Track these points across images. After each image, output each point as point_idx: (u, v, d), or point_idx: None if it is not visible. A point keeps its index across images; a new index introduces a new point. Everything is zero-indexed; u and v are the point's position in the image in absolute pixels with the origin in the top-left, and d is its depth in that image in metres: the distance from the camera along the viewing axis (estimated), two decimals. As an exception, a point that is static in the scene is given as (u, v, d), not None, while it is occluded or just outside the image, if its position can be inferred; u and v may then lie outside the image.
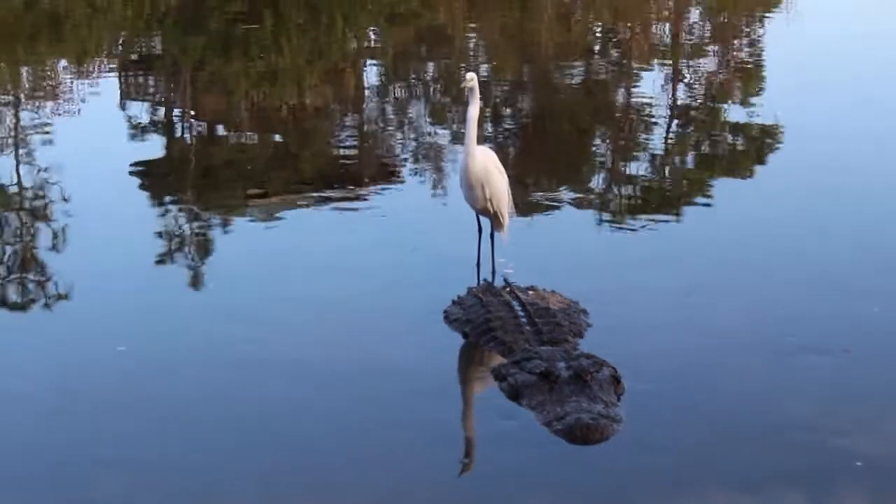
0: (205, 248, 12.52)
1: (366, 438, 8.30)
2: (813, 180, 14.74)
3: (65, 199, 13.90)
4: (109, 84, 21.14)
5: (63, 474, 7.85)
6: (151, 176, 15.40)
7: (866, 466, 7.90)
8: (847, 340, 9.81)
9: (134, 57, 24.19)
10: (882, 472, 7.86)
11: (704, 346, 9.86)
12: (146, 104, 19.82)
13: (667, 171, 15.90)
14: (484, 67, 22.38)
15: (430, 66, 23.87)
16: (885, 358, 9.60)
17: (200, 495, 7.60)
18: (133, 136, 17.48)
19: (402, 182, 15.10)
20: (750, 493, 7.56)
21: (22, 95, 20.03)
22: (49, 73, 22.11)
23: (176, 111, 19.56)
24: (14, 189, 14.44)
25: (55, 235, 12.75)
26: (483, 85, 19.34)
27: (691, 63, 23.41)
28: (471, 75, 11.06)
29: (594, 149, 17.39)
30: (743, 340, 9.91)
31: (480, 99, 11.09)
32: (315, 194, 14.35)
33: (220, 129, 18.41)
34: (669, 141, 17.25)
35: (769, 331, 10.10)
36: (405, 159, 16.49)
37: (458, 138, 15.68)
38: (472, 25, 26.56)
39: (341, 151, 17.16)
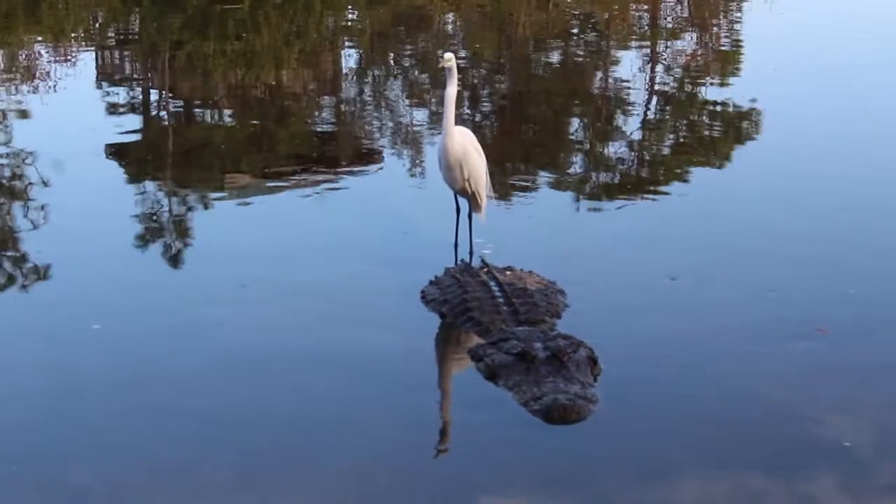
0: (181, 229, 12.48)
1: (342, 420, 8.27)
2: (792, 162, 14.76)
3: (41, 179, 13.85)
4: (86, 64, 21.05)
5: (36, 455, 7.80)
6: (128, 156, 15.35)
7: (854, 447, 7.91)
8: (825, 322, 9.82)
9: (111, 36, 24.11)
10: (871, 451, 7.86)
11: (682, 328, 9.84)
12: (123, 84, 19.75)
13: (645, 154, 15.90)
14: (462, 49, 22.35)
15: (409, 47, 23.84)
16: (863, 339, 9.61)
17: (177, 476, 7.56)
18: (110, 116, 17.39)
19: (380, 163, 15.07)
20: (729, 479, 7.52)
21: (-2, 75, 19.95)
22: (25, 52, 22.01)
23: (153, 91, 19.49)
24: (-10, 169, 14.40)
25: (32, 215, 12.69)
26: (461, 67, 19.29)
27: (669, 45, 23.41)
28: (448, 55, 11.02)
29: (572, 131, 17.38)
30: (721, 323, 9.89)
31: (459, 79, 11.07)
32: (292, 176, 14.32)
33: (198, 110, 18.36)
34: (648, 123, 17.26)
35: (748, 313, 10.09)
36: (383, 140, 16.46)
37: (436, 119, 15.67)
38: (451, 8, 26.52)
39: (319, 132, 17.13)
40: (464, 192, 11.21)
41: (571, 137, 16.86)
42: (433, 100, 17.89)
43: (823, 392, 8.67)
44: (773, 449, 7.89)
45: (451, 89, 10.88)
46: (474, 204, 11.31)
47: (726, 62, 21.61)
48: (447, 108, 10.89)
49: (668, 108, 18.48)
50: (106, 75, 20.48)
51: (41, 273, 11.06)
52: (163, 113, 18.26)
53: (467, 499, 7.30)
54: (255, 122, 17.46)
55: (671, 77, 20.61)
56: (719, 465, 7.67)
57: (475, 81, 19.70)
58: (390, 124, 17.44)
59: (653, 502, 7.28)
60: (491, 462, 7.73)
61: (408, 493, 7.39)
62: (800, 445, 7.95)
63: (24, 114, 17.07)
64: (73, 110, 17.90)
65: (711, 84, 19.64)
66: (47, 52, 21.86)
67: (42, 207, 12.86)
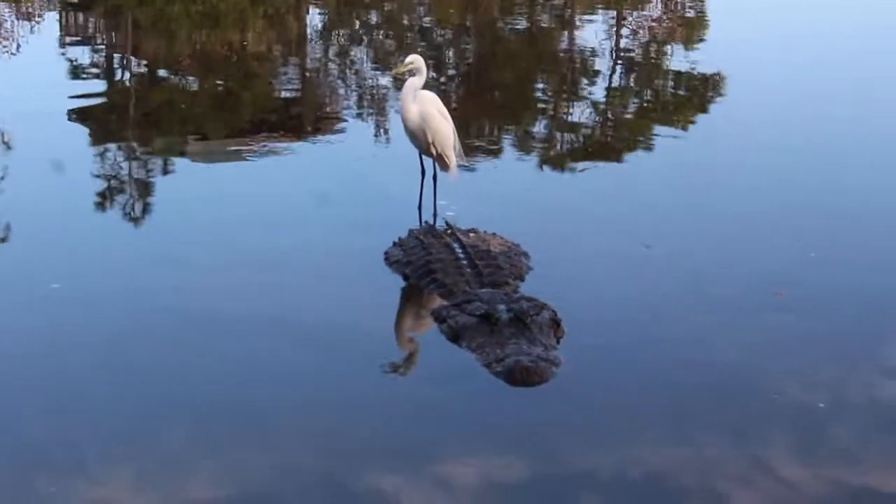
0: (144, 191, 12.42)
1: (301, 383, 8.20)
2: (756, 128, 14.79)
3: (2, 138, 13.76)
4: (49, 24, 20.91)
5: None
6: (91, 117, 15.27)
7: (813, 412, 7.92)
8: (784, 285, 9.86)
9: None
10: (830, 416, 7.85)
11: (644, 292, 9.81)
12: (87, 44, 19.62)
13: (611, 118, 15.90)
14: (428, 14, 22.29)
15: (374, 11, 23.76)
16: (821, 303, 9.64)
17: (129, 435, 7.50)
18: (73, 77, 17.30)
19: (344, 126, 15.02)
20: (688, 445, 7.48)
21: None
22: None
23: (116, 52, 19.38)
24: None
25: (-7, 174, 12.64)
26: (426, 30, 19.23)
27: (635, 11, 23.41)
28: (411, 58, 11.07)
29: (538, 94, 17.36)
30: (682, 289, 9.86)
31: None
32: (256, 138, 14.26)
33: (161, 71, 18.27)
34: (612, 88, 17.26)
35: (708, 279, 10.07)
36: (348, 104, 16.41)
37: (400, 85, 15.64)
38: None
39: (283, 95, 17.07)
40: (429, 153, 11.21)
41: (537, 101, 16.84)
42: (397, 63, 17.86)
43: (784, 357, 8.66)
44: (733, 415, 7.85)
45: (416, 80, 10.97)
46: (441, 164, 11.31)
47: (691, 29, 21.63)
48: (406, 90, 10.99)
49: (633, 73, 18.49)
50: (69, 35, 20.33)
51: (1, 233, 10.97)
52: (126, 74, 18.15)
53: (424, 461, 7.26)
54: (218, 84, 17.37)
55: (636, 43, 20.61)
56: (679, 431, 7.64)
57: (441, 46, 19.64)
58: (355, 88, 17.39)
59: (611, 467, 7.25)
60: (450, 425, 7.70)
61: (366, 454, 7.35)
62: (759, 411, 7.93)
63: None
64: (36, 71, 17.78)
65: (677, 51, 19.66)
66: (10, 12, 21.67)
67: (3, 167, 12.76)
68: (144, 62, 18.63)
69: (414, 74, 11.06)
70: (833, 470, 7.23)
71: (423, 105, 11.09)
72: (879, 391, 8.19)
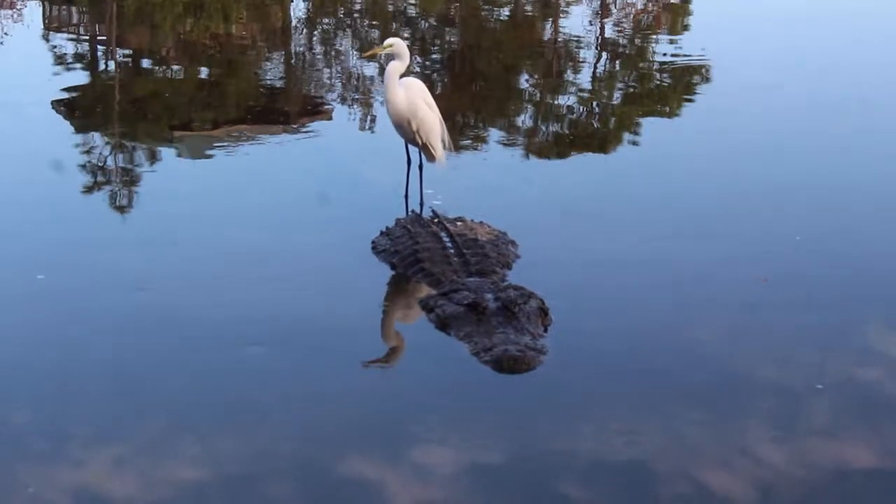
0: (128, 183, 12.37)
1: (284, 370, 8.19)
2: (741, 114, 14.81)
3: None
4: (33, 14, 20.85)
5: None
6: (76, 108, 15.23)
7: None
8: (769, 270, 9.88)
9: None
10: (806, 399, 7.88)
11: (632, 279, 9.80)
12: (70, 36, 19.56)
13: (596, 107, 15.90)
14: (412, 2, 22.28)
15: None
16: (806, 287, 9.66)
17: (109, 423, 7.49)
18: (57, 68, 17.25)
19: (329, 115, 15.01)
20: (666, 431, 7.50)
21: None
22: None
23: (101, 43, 19.32)
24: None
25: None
26: (411, 18, 19.19)
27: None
28: (390, 41, 11.01)
29: (523, 84, 17.36)
30: (669, 277, 9.87)
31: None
32: (240, 130, 14.23)
33: (146, 62, 18.23)
34: (598, 76, 17.25)
35: (695, 266, 10.09)
36: (333, 93, 16.39)
37: (381, 68, 15.64)
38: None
39: (268, 86, 17.03)
40: (415, 142, 11.18)
41: (523, 90, 16.83)
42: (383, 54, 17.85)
43: (772, 343, 8.68)
44: (719, 401, 7.86)
45: (396, 64, 10.90)
46: (428, 154, 11.28)
47: (676, 16, 21.64)
48: (389, 75, 10.92)
49: (618, 61, 18.49)
50: (53, 27, 20.28)
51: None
52: (111, 65, 18.10)
53: (410, 448, 7.25)
54: (203, 74, 17.34)
55: (621, 30, 20.60)
56: (663, 418, 7.63)
57: (425, 36, 19.62)
58: (340, 77, 17.36)
59: (596, 453, 7.23)
60: (437, 412, 7.69)
61: (346, 439, 7.34)
62: (746, 397, 7.95)
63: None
64: (19, 62, 17.73)
65: (661, 37, 19.66)
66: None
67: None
68: (129, 53, 18.58)
69: (393, 58, 10.99)
70: (819, 455, 7.25)
71: (410, 92, 11.06)
72: (861, 374, 8.23)
